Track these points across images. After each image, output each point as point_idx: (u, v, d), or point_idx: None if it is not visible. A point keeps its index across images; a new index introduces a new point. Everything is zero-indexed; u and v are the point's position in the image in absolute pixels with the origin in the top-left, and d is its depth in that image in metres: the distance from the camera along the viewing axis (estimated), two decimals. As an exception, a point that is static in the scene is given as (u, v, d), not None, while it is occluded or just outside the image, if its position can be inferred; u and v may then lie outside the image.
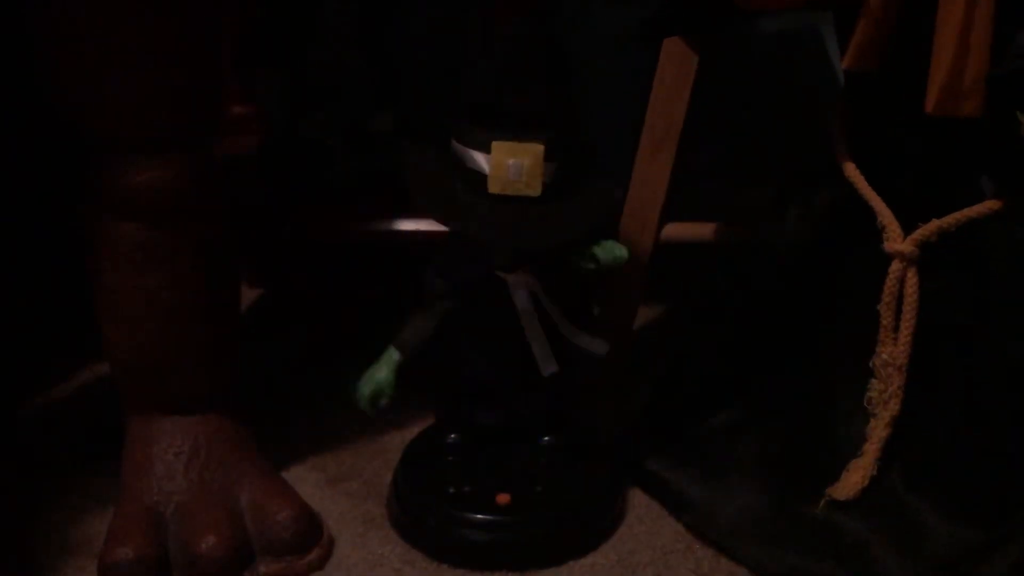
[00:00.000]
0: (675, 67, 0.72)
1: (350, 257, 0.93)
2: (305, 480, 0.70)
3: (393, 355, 0.61)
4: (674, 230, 0.77)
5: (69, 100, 0.61)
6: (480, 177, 0.58)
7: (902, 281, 0.59)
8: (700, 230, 0.78)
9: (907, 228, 0.59)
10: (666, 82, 0.73)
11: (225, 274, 0.68)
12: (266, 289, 0.96)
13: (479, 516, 0.61)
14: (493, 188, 0.57)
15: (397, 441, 0.73)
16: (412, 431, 0.72)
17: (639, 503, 0.67)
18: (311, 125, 0.91)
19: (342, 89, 0.91)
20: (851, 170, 0.62)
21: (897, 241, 0.59)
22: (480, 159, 0.57)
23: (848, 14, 0.58)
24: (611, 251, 0.60)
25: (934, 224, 0.58)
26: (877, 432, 0.60)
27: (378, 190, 0.89)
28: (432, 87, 0.90)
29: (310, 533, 0.62)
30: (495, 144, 0.57)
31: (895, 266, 0.59)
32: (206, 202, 0.64)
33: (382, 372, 0.60)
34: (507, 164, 0.56)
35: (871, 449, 0.60)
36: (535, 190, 0.57)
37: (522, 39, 0.60)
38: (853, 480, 0.60)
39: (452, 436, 0.66)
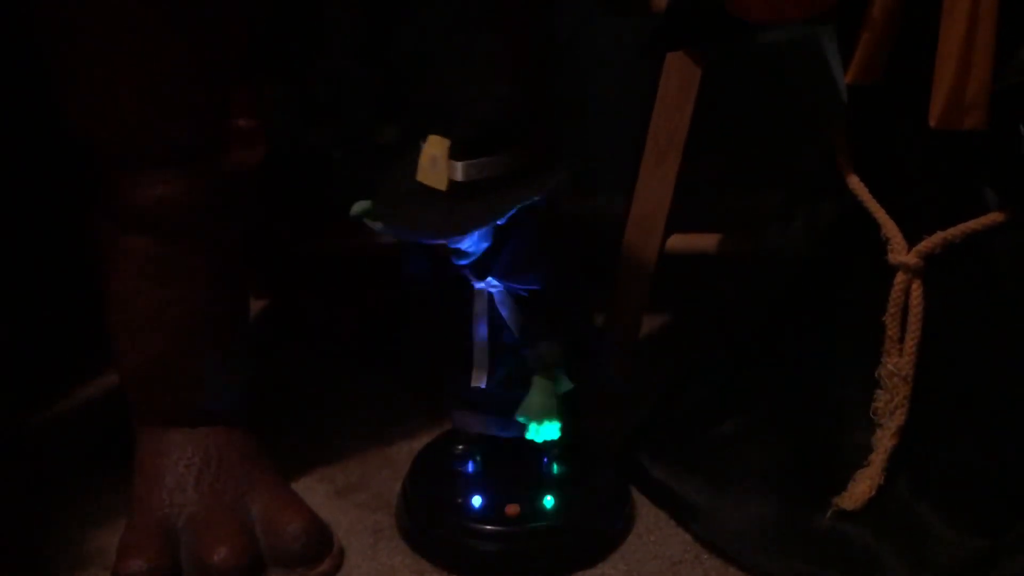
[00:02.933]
0: (679, 79, 0.73)
1: (355, 269, 0.93)
2: (314, 491, 0.70)
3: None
4: (679, 241, 0.78)
5: (81, 115, 0.61)
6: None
7: (907, 292, 0.59)
8: (705, 240, 0.78)
9: (911, 240, 0.59)
10: (670, 93, 0.73)
11: (234, 286, 0.68)
12: (272, 300, 0.96)
13: (488, 527, 0.62)
14: (418, 175, 0.60)
15: (406, 452, 0.73)
16: (421, 442, 0.72)
17: (647, 513, 0.67)
18: (316, 137, 0.92)
19: (347, 102, 0.91)
20: (855, 182, 0.62)
21: (902, 253, 0.60)
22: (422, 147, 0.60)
23: (850, 27, 0.59)
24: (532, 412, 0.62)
25: (938, 236, 0.59)
26: (883, 442, 0.60)
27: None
28: (437, 100, 0.91)
29: (320, 544, 0.62)
30: (430, 136, 0.59)
31: (900, 278, 0.59)
32: (215, 215, 0.65)
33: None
34: (429, 155, 0.59)
35: (878, 459, 0.61)
36: (440, 184, 0.58)
37: (481, 41, 0.62)
38: (860, 489, 0.60)
39: (460, 447, 0.67)
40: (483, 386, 0.62)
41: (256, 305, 0.94)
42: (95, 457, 0.74)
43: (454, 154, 0.58)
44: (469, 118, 0.58)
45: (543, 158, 0.61)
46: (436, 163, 0.58)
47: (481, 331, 0.62)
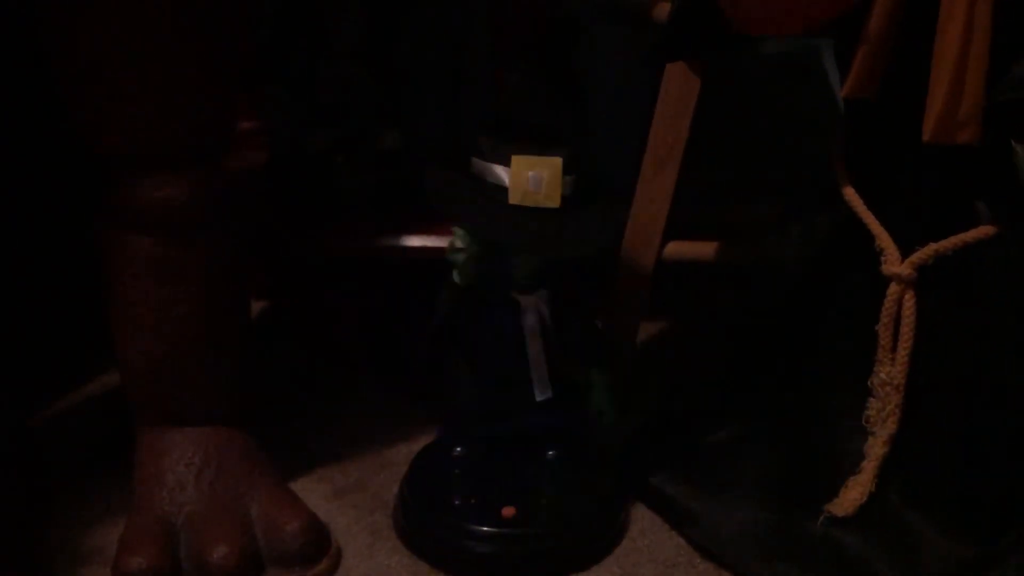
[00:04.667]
0: (678, 89, 0.74)
1: (356, 272, 0.94)
2: (313, 492, 0.70)
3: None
4: (676, 248, 0.78)
5: (86, 117, 0.62)
6: (501, 190, 0.60)
7: (900, 303, 0.60)
8: (702, 249, 0.79)
9: (905, 251, 0.60)
10: (669, 103, 0.74)
11: (236, 288, 0.69)
12: (273, 302, 0.97)
13: (484, 528, 0.62)
14: (513, 199, 0.59)
15: (403, 454, 0.74)
16: (418, 444, 0.73)
17: (642, 517, 0.68)
18: (318, 141, 0.92)
19: (349, 106, 0.92)
20: (850, 194, 0.63)
21: (895, 264, 0.60)
22: (501, 172, 0.59)
23: (848, 42, 0.59)
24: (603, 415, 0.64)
25: (931, 248, 0.59)
26: (875, 450, 0.61)
27: (384, 206, 0.90)
28: (439, 105, 0.91)
29: (318, 544, 0.63)
30: (515, 158, 0.59)
31: (893, 288, 0.60)
32: (218, 217, 0.65)
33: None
34: (527, 176, 0.58)
35: (869, 466, 0.61)
36: (554, 201, 0.59)
37: (541, 59, 0.62)
38: (852, 497, 0.61)
39: (458, 449, 0.67)
40: (551, 395, 0.63)
41: (257, 306, 0.95)
42: (96, 455, 0.74)
43: (567, 170, 0.59)
44: (562, 138, 0.59)
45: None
46: (541, 183, 0.58)
47: (536, 346, 0.63)
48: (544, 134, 0.59)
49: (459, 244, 0.62)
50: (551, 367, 0.63)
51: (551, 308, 0.63)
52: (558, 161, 0.58)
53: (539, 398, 0.63)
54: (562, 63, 0.63)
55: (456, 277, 0.62)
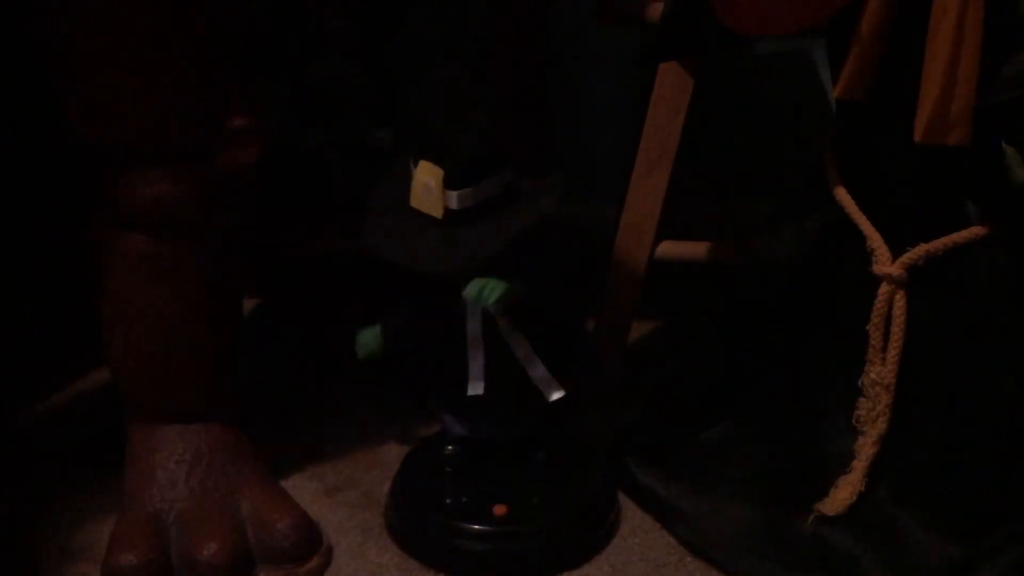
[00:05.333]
0: (671, 89, 0.74)
1: (347, 270, 0.94)
2: (304, 490, 0.70)
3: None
4: (668, 248, 0.79)
5: (79, 115, 0.62)
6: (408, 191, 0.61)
7: (890, 303, 0.60)
8: (694, 248, 0.79)
9: (896, 251, 0.60)
10: (662, 103, 0.74)
11: (227, 285, 0.69)
12: (265, 300, 0.97)
13: (475, 527, 0.63)
14: (412, 201, 0.61)
15: (395, 452, 0.74)
16: (410, 442, 0.73)
17: (632, 516, 0.68)
18: (311, 139, 0.92)
19: (342, 103, 0.92)
20: (842, 194, 0.63)
21: (886, 264, 0.61)
22: (413, 173, 0.61)
23: (840, 42, 0.60)
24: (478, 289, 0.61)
25: (922, 248, 0.60)
26: (865, 449, 0.61)
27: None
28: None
29: (309, 542, 0.63)
30: (421, 163, 0.60)
31: (884, 288, 0.60)
32: (210, 214, 0.65)
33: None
34: (422, 181, 0.60)
35: (859, 466, 0.62)
36: (436, 211, 0.59)
37: (459, 74, 0.63)
38: (842, 496, 0.61)
39: (449, 448, 0.67)
40: (480, 392, 0.63)
41: (249, 304, 0.95)
42: (86, 452, 0.74)
43: (448, 183, 0.59)
44: (457, 151, 0.59)
45: (533, 177, 0.62)
46: (430, 191, 0.59)
47: (475, 341, 0.63)
48: (457, 148, 0.59)
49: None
50: (505, 367, 0.63)
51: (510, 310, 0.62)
52: (439, 172, 0.59)
53: (468, 392, 0.63)
54: (480, 79, 0.64)
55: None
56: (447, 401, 0.67)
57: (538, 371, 0.63)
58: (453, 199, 0.59)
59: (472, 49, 0.91)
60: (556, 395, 0.64)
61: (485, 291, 0.60)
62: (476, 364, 0.63)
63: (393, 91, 0.92)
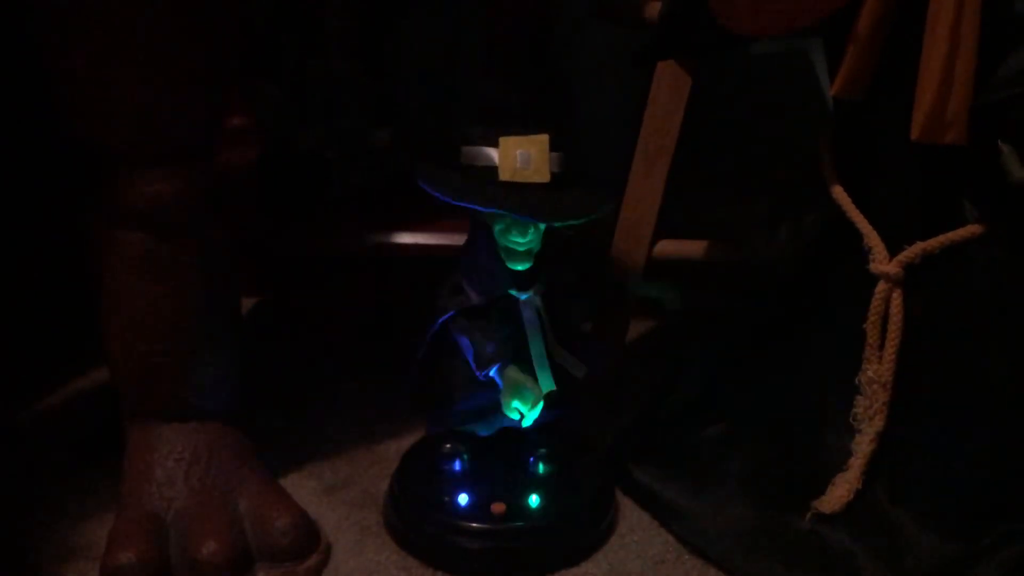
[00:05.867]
0: (669, 88, 0.74)
1: (347, 269, 0.94)
2: (303, 488, 0.71)
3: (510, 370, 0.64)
4: (666, 247, 0.79)
5: (79, 114, 0.62)
6: (491, 170, 0.62)
7: (887, 301, 0.61)
8: (692, 247, 0.79)
9: (893, 250, 0.61)
10: (660, 102, 0.74)
11: (226, 284, 0.69)
12: (263, 298, 0.97)
13: (474, 525, 0.63)
14: (503, 176, 0.61)
15: (393, 450, 0.74)
16: (408, 441, 0.73)
17: (630, 514, 0.68)
18: (309, 138, 0.92)
19: (341, 103, 0.92)
20: (839, 192, 0.63)
21: (883, 262, 0.61)
22: (491, 153, 0.61)
23: (837, 41, 0.60)
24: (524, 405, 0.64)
25: (918, 247, 0.60)
26: (862, 447, 0.62)
27: (375, 203, 0.90)
28: (431, 103, 0.92)
29: (308, 540, 0.63)
30: (503, 139, 0.61)
31: (881, 286, 0.61)
32: (209, 213, 0.65)
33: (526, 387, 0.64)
34: (515, 154, 0.60)
35: (856, 464, 0.62)
36: (544, 176, 0.61)
37: (520, 44, 0.64)
38: (839, 494, 0.62)
39: (448, 446, 0.67)
40: (553, 389, 0.64)
41: (247, 303, 0.95)
42: (85, 451, 0.74)
43: (554, 146, 0.60)
44: (553, 116, 0.62)
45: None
46: (529, 160, 0.60)
47: (537, 341, 0.64)
48: (529, 118, 0.61)
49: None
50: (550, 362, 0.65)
51: (547, 306, 0.64)
52: (545, 138, 0.60)
53: (545, 391, 0.64)
54: (541, 47, 0.65)
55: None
56: (447, 399, 0.67)
57: (541, 365, 0.64)
58: (556, 161, 0.61)
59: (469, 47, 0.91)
60: (582, 372, 0.66)
61: (527, 409, 0.64)
62: (545, 364, 0.64)
63: (392, 90, 0.92)
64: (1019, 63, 0.55)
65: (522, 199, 0.61)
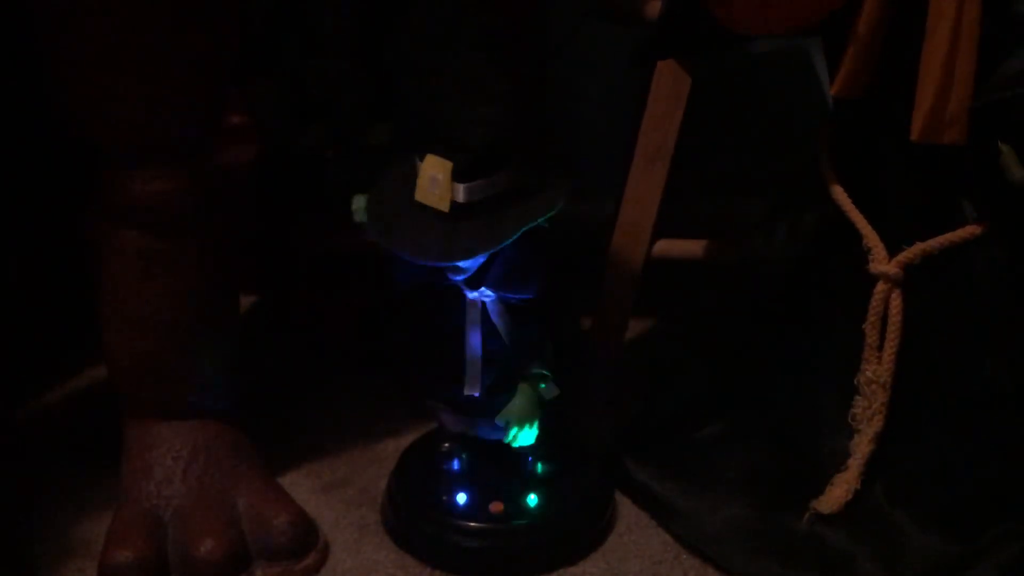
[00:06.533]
0: (668, 87, 0.74)
1: (345, 266, 0.94)
2: (301, 487, 0.70)
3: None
4: (665, 246, 0.79)
5: (78, 112, 0.62)
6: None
7: (887, 301, 0.61)
8: (691, 246, 0.79)
9: (892, 250, 0.61)
10: (659, 101, 0.74)
11: (225, 282, 0.69)
12: (262, 297, 0.97)
13: (472, 524, 0.63)
14: (418, 195, 0.60)
15: (391, 449, 0.74)
16: (407, 439, 0.73)
17: (628, 513, 0.68)
18: (308, 136, 0.92)
19: (339, 101, 0.92)
20: (838, 192, 0.63)
21: (882, 262, 0.61)
22: (418, 167, 0.60)
23: (836, 39, 0.60)
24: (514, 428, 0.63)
25: (918, 247, 0.60)
26: (861, 447, 0.62)
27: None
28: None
29: (306, 538, 0.63)
30: (428, 156, 0.59)
31: (880, 287, 0.61)
32: (208, 211, 0.65)
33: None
34: (429, 175, 0.59)
35: (855, 464, 0.62)
36: (443, 205, 0.59)
37: (478, 63, 0.62)
38: (837, 494, 0.62)
39: (446, 445, 0.67)
40: (476, 395, 0.63)
41: (246, 301, 0.95)
42: (83, 449, 0.74)
43: (457, 176, 0.58)
44: (469, 142, 0.58)
45: (541, 173, 0.62)
46: (437, 184, 0.58)
47: (474, 340, 0.63)
48: (468, 140, 0.59)
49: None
50: (499, 365, 0.63)
51: (507, 306, 0.63)
52: (448, 165, 0.58)
53: (465, 392, 0.63)
54: (502, 69, 0.63)
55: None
56: (445, 399, 0.67)
57: (472, 365, 0.63)
58: (460, 192, 0.58)
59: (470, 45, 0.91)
60: (550, 395, 0.64)
61: (522, 434, 0.63)
62: (474, 367, 0.63)
63: (390, 88, 0.92)
64: (1019, 63, 0.55)
65: (415, 236, 0.59)
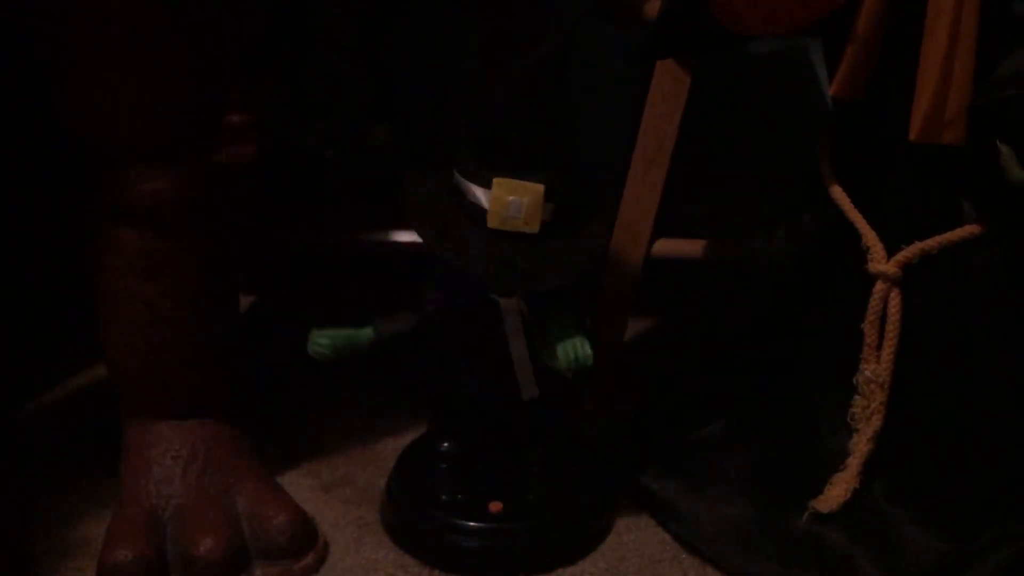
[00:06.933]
0: (668, 87, 0.74)
1: (345, 267, 0.94)
2: (300, 486, 0.71)
3: (366, 331, 0.63)
4: (665, 246, 0.79)
5: (77, 111, 0.62)
6: (479, 211, 0.58)
7: (885, 301, 0.61)
8: (690, 246, 0.79)
9: (891, 250, 0.61)
10: (659, 101, 0.74)
11: (224, 282, 0.69)
12: (261, 297, 0.97)
13: (471, 523, 0.63)
14: (492, 223, 0.58)
15: (390, 449, 0.74)
16: (406, 439, 0.73)
17: (628, 513, 0.68)
18: (308, 136, 0.92)
19: (339, 101, 0.92)
20: (837, 192, 0.63)
21: (881, 262, 0.61)
22: (480, 194, 0.58)
23: (836, 41, 0.60)
24: (572, 353, 0.60)
25: (917, 246, 0.60)
26: (860, 447, 0.62)
27: (373, 202, 0.90)
28: (429, 101, 0.91)
29: (305, 538, 0.63)
30: (496, 181, 0.57)
31: (879, 286, 0.61)
32: (206, 210, 0.65)
33: (343, 331, 0.63)
34: (507, 201, 0.57)
35: (854, 463, 0.62)
36: (533, 228, 0.58)
37: (530, 78, 0.61)
38: (836, 493, 0.62)
39: (445, 444, 0.67)
40: (537, 395, 0.63)
41: (245, 301, 0.95)
42: (82, 448, 0.74)
43: (549, 196, 0.57)
44: (549, 163, 0.58)
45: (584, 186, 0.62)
46: (520, 208, 0.57)
47: (520, 346, 0.62)
48: (527, 156, 0.58)
49: (322, 341, 0.62)
50: (535, 366, 0.63)
51: (532, 306, 0.62)
52: (540, 188, 0.57)
53: (525, 398, 0.63)
54: (552, 83, 0.62)
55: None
56: (443, 397, 0.67)
57: (523, 370, 0.63)
58: (548, 211, 0.58)
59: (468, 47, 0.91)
60: (528, 395, 0.64)
61: (579, 352, 0.60)
62: (525, 367, 0.63)
63: (390, 88, 0.92)
64: (1018, 63, 0.55)
65: (502, 263, 0.57)
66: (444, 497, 0.64)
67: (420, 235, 0.59)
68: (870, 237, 0.61)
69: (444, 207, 0.60)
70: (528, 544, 0.63)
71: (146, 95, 0.60)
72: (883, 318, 0.61)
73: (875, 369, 0.61)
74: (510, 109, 0.59)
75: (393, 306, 0.64)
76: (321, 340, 0.62)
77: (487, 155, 0.59)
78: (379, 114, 0.91)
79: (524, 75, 0.60)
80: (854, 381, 0.62)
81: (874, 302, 0.61)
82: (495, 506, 0.63)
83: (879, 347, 0.61)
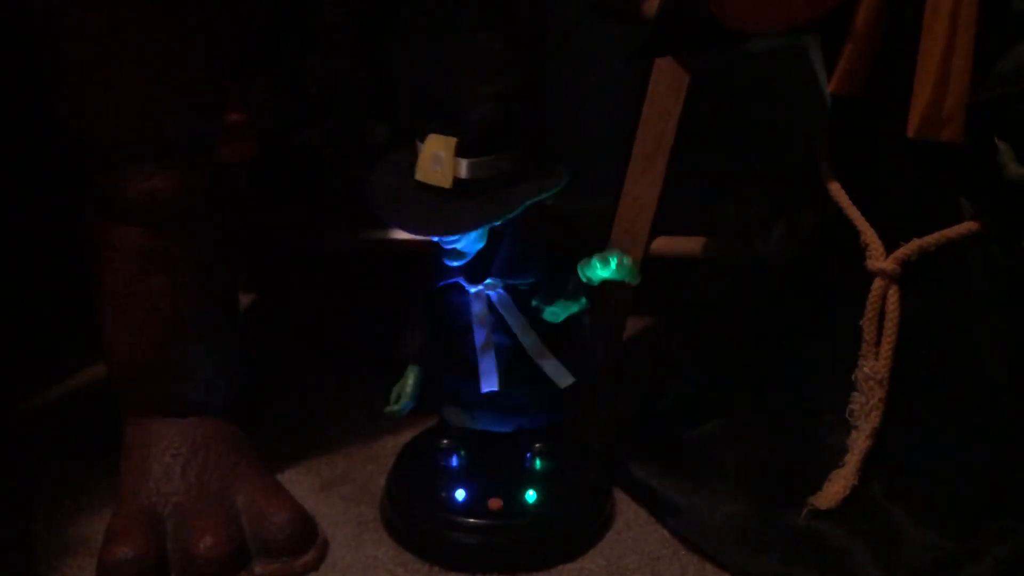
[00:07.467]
0: (666, 85, 0.74)
1: (343, 265, 0.94)
2: (299, 483, 0.71)
3: (412, 369, 0.65)
4: (663, 244, 0.79)
5: (76, 109, 0.62)
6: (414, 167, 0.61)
7: (884, 298, 0.61)
8: (689, 244, 0.79)
9: (889, 247, 0.61)
10: (657, 99, 0.74)
11: (224, 280, 0.69)
12: (261, 294, 0.97)
13: (471, 520, 0.63)
14: (418, 174, 0.60)
15: (390, 446, 0.74)
16: (405, 436, 0.73)
17: (627, 509, 0.68)
18: (307, 134, 0.92)
19: (339, 99, 0.92)
20: (836, 189, 0.63)
21: (880, 259, 0.61)
22: (419, 148, 0.60)
23: (835, 39, 0.60)
24: (561, 307, 0.62)
25: (915, 243, 0.60)
26: (858, 443, 0.62)
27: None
28: (436, 98, 0.91)
29: (305, 535, 0.63)
30: (429, 136, 0.59)
31: (877, 283, 0.61)
32: (206, 208, 0.65)
33: (407, 385, 0.65)
34: (431, 153, 0.59)
35: (852, 460, 0.62)
36: (446, 182, 0.59)
37: (480, 42, 0.61)
38: (835, 490, 0.62)
39: (445, 442, 0.68)
40: (495, 389, 0.63)
41: (245, 299, 0.95)
42: (82, 446, 0.74)
43: (460, 152, 0.58)
44: (472, 118, 0.59)
45: (541, 157, 0.62)
46: (439, 161, 0.58)
47: (481, 336, 0.63)
48: (471, 119, 0.59)
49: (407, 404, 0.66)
50: (514, 360, 0.64)
51: (517, 298, 0.63)
52: (452, 141, 0.58)
53: (483, 390, 0.63)
54: (499, 48, 0.62)
55: None
56: (447, 394, 0.67)
57: (550, 362, 0.63)
58: (463, 168, 0.59)
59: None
60: (567, 382, 0.64)
61: (616, 264, 0.61)
62: (487, 361, 0.63)
63: (390, 87, 0.92)
64: (1016, 60, 0.55)
65: (414, 210, 0.59)
66: (444, 494, 0.64)
67: (367, 197, 0.62)
68: (869, 234, 0.61)
69: (397, 173, 0.62)
70: (528, 541, 0.63)
71: (145, 93, 0.61)
72: (882, 315, 0.61)
73: (874, 366, 0.61)
74: (445, 69, 0.60)
75: (399, 332, 0.67)
76: (406, 404, 0.65)
77: (438, 115, 0.60)
78: (379, 113, 0.92)
79: (464, 37, 0.61)
80: (853, 378, 0.62)
81: (873, 299, 0.61)
82: (495, 503, 0.63)
83: (878, 344, 0.61)
